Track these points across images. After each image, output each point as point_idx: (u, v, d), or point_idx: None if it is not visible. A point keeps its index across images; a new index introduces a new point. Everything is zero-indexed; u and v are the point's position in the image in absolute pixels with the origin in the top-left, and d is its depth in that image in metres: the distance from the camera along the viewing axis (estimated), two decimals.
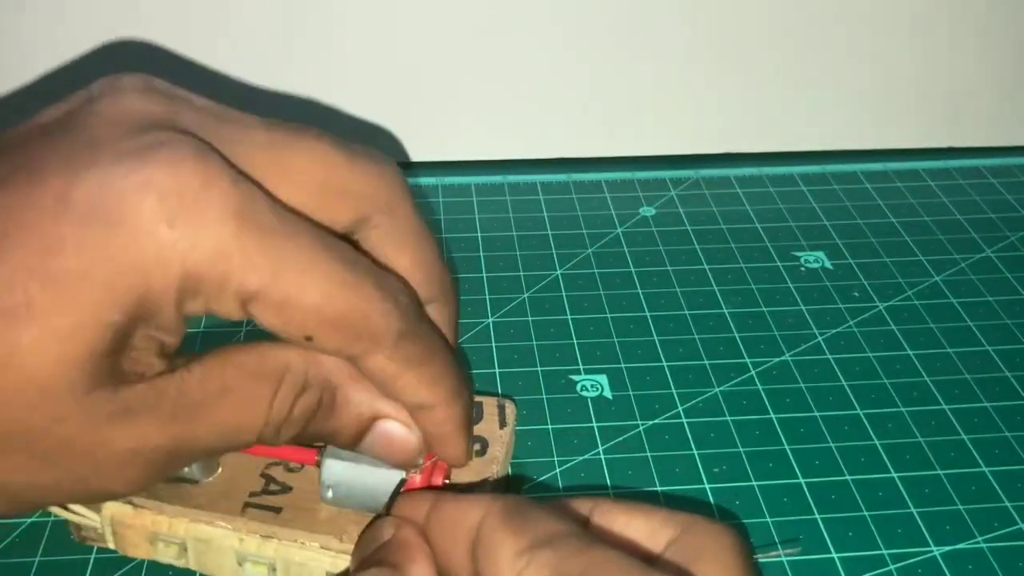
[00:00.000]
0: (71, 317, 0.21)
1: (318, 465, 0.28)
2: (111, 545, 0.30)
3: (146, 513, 0.29)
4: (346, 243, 0.24)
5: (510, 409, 0.33)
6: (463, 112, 0.51)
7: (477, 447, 0.31)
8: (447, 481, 0.29)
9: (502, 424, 0.32)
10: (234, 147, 0.23)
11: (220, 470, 0.30)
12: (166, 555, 0.29)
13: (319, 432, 0.26)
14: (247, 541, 0.28)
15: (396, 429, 0.27)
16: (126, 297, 0.22)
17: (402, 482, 0.28)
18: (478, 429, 0.32)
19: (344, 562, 0.28)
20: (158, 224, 0.21)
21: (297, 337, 0.23)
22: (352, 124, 0.51)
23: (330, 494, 0.28)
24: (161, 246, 0.21)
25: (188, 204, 0.21)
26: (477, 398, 0.33)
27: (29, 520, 0.32)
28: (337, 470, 0.28)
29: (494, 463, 0.31)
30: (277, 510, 0.29)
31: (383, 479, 0.28)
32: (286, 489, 0.29)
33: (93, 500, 0.27)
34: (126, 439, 0.23)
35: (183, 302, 0.22)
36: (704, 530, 0.23)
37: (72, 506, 0.29)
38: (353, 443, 0.27)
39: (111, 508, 0.29)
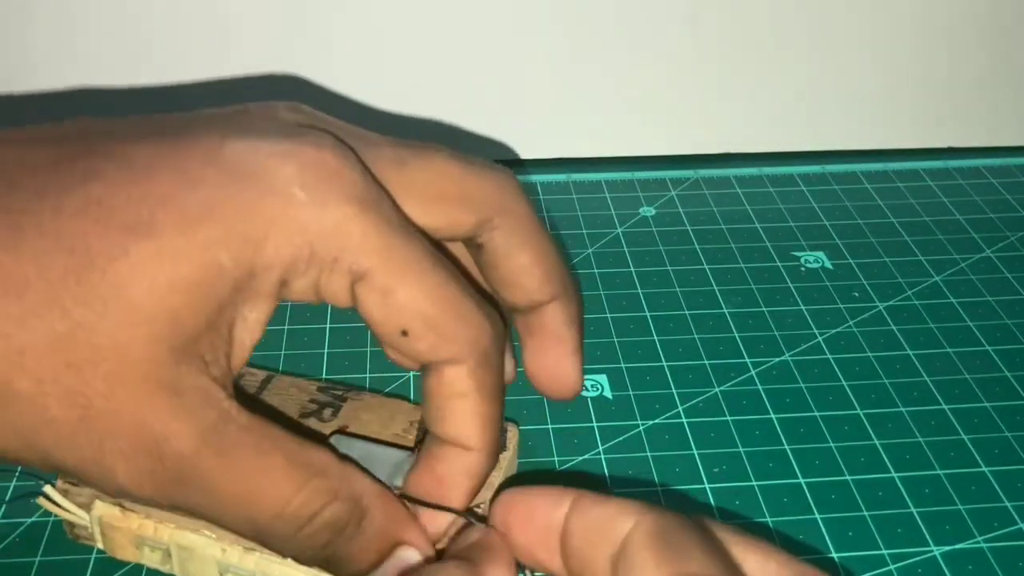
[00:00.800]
0: (186, 242, 0.22)
1: None
2: (100, 546, 0.30)
3: (133, 516, 0.29)
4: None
5: (512, 433, 0.32)
6: (463, 112, 0.51)
7: None
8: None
9: (501, 448, 0.31)
10: (367, 162, 0.25)
11: None
12: (151, 560, 0.29)
13: (339, 553, 0.25)
14: (229, 552, 0.28)
15: (414, 556, 0.26)
16: (242, 245, 0.22)
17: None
18: None
19: None
20: (292, 187, 0.23)
21: (393, 329, 0.24)
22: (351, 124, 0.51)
23: None
24: (289, 206, 0.23)
25: (323, 178, 0.23)
26: None
27: (29, 520, 0.32)
28: None
29: (489, 488, 0.30)
30: None
31: None
32: None
33: (67, 471, 0.24)
34: (160, 420, 0.22)
35: (294, 269, 0.23)
36: None
37: (64, 503, 0.29)
38: (370, 569, 0.26)
39: (100, 509, 0.29)
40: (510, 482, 0.33)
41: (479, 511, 0.29)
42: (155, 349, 0.22)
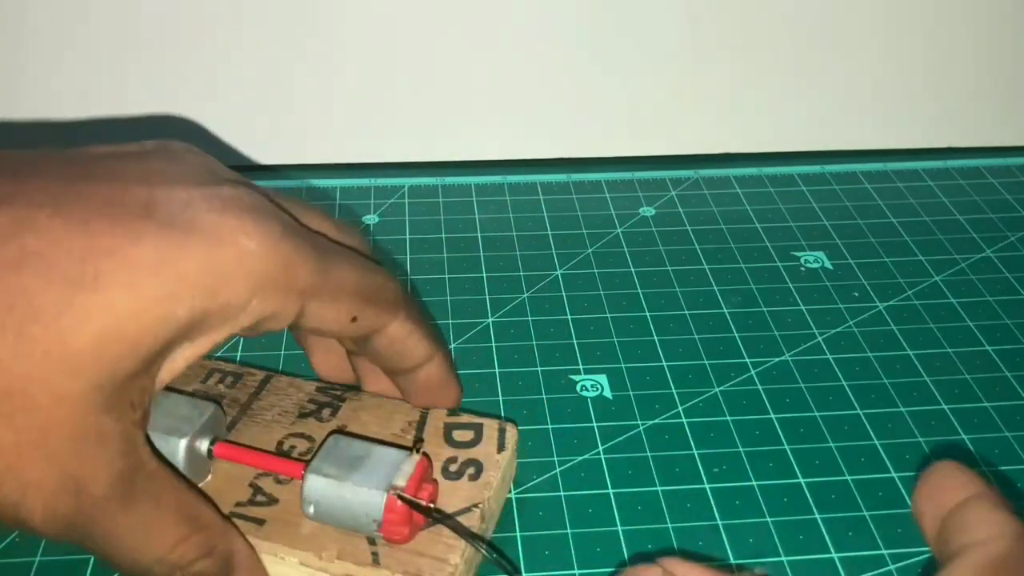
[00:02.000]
0: (136, 296, 0.22)
1: (303, 479, 0.28)
2: None
3: None
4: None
5: (511, 433, 0.32)
6: (463, 112, 0.51)
7: (471, 470, 0.30)
8: (432, 504, 0.28)
9: (500, 448, 0.31)
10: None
11: (210, 477, 0.30)
12: None
13: None
14: None
15: None
16: (198, 296, 0.23)
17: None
18: (475, 452, 0.31)
19: None
20: (238, 236, 0.24)
21: (345, 322, 0.28)
22: (352, 124, 0.51)
23: (311, 510, 0.28)
24: (242, 255, 0.24)
25: (260, 222, 0.25)
26: (478, 419, 0.32)
27: None
28: (319, 486, 0.28)
29: (487, 488, 0.30)
30: (261, 522, 0.29)
31: (365, 499, 0.28)
32: (272, 501, 0.29)
33: None
34: (84, 466, 0.23)
35: (244, 311, 0.24)
36: None
37: None
38: None
39: None
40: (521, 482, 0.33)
41: (479, 508, 0.29)
42: (92, 396, 0.23)
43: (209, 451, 0.30)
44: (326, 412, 0.33)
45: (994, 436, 0.36)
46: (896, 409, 0.37)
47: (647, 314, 0.41)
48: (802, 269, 0.44)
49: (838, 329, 0.41)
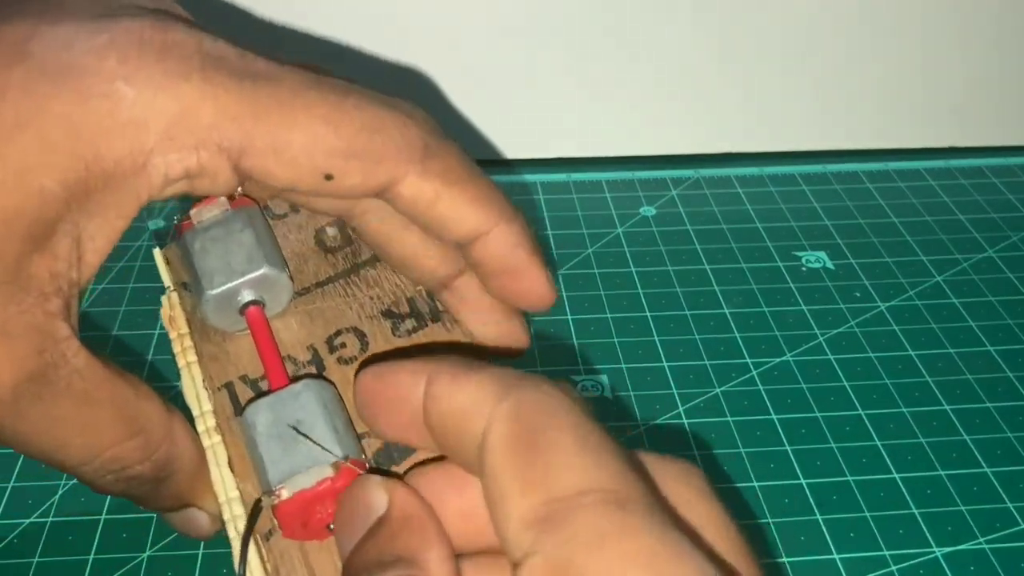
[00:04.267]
0: None
1: (242, 412, 0.24)
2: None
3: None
4: (337, 79, 0.22)
5: None
6: (462, 112, 0.51)
7: None
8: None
9: None
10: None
11: (245, 331, 0.27)
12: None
13: (132, 494, 0.25)
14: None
15: (200, 519, 0.27)
16: (69, 163, 0.19)
17: (258, 507, 0.23)
18: None
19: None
20: (116, 82, 0.20)
21: (315, 181, 0.22)
22: None
23: (242, 434, 0.24)
24: (118, 106, 0.20)
25: (149, 61, 0.20)
26: None
27: (27, 521, 0.32)
28: (246, 430, 0.24)
29: None
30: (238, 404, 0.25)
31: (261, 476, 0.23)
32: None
33: None
34: None
35: (146, 172, 0.20)
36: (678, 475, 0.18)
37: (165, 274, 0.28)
38: (159, 511, 0.26)
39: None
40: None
41: None
42: None
43: (242, 309, 0.26)
44: (407, 324, 0.27)
45: (996, 437, 0.35)
46: (898, 410, 0.37)
47: (648, 314, 0.41)
48: (803, 269, 0.44)
49: (840, 329, 0.41)
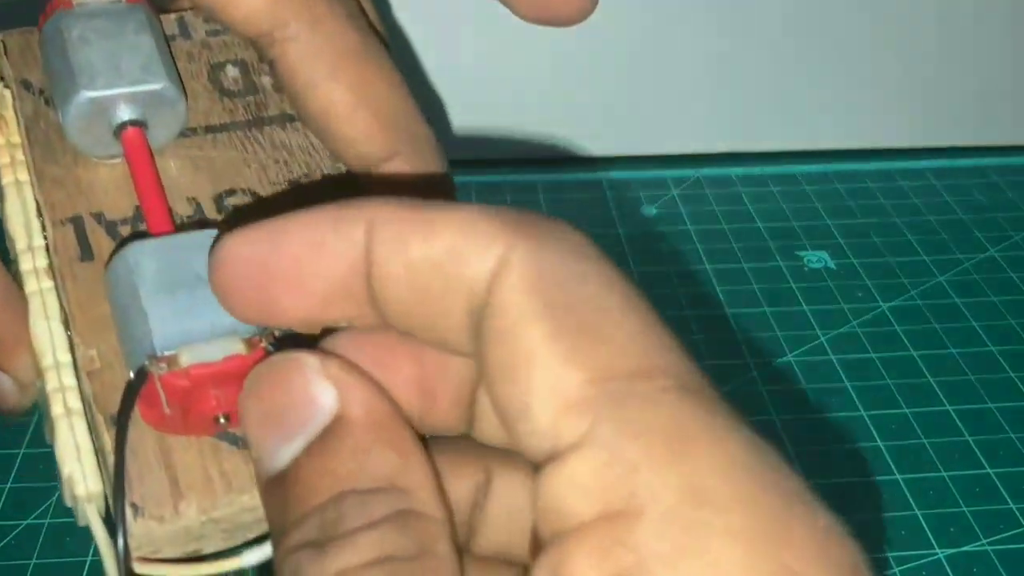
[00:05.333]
0: None
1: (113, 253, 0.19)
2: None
3: None
4: None
5: None
6: (461, 112, 0.51)
7: None
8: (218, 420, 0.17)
9: None
10: None
11: (118, 161, 0.22)
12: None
13: None
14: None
15: (2, 382, 0.22)
16: None
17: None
18: None
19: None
20: None
21: None
22: None
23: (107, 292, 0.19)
24: None
25: None
26: None
27: (25, 522, 0.32)
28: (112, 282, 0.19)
29: None
30: (89, 256, 0.20)
31: (128, 345, 0.18)
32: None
33: None
34: None
35: None
36: None
37: None
38: None
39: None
40: None
41: None
42: None
43: (118, 129, 0.21)
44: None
45: (999, 437, 0.35)
46: (900, 410, 0.36)
47: None
48: (805, 269, 0.44)
49: (841, 329, 0.40)
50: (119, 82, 0.20)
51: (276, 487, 0.14)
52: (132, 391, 0.16)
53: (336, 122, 0.20)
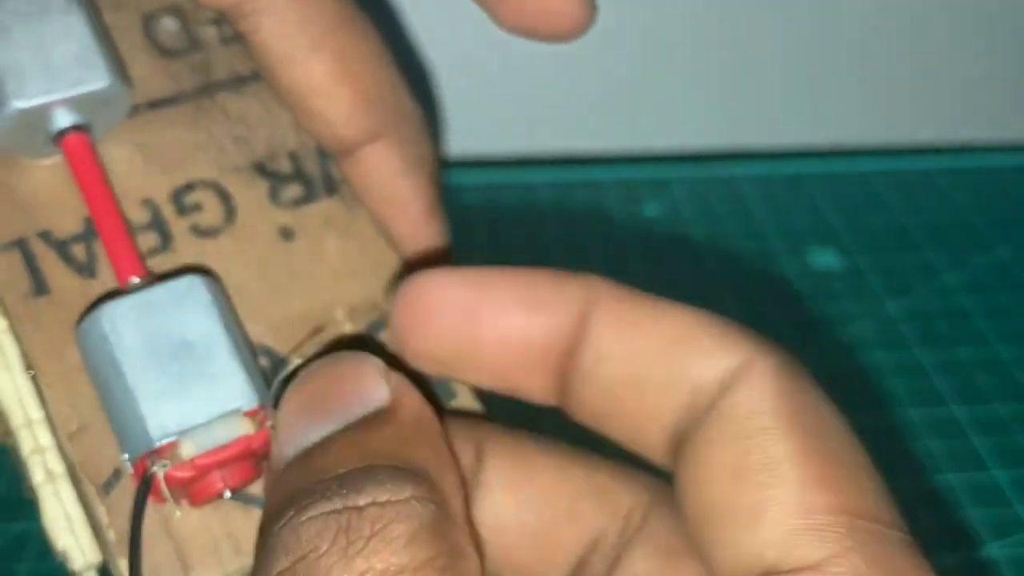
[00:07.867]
0: None
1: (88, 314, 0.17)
2: None
3: None
4: None
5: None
6: (460, 111, 0.51)
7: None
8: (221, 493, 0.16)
9: None
10: None
11: (56, 160, 0.19)
12: None
13: None
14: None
15: None
16: None
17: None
18: None
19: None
20: None
21: None
22: None
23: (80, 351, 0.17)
24: None
25: None
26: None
27: (22, 525, 0.31)
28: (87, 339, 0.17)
29: None
30: (43, 291, 0.18)
31: (126, 437, 0.16)
32: (86, 271, 0.18)
33: None
34: None
35: None
36: None
37: None
38: None
39: None
40: None
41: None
42: None
43: (58, 134, 0.18)
44: (291, 191, 0.19)
45: (1006, 440, 0.35)
46: (905, 411, 0.36)
47: None
48: (810, 269, 0.44)
49: (847, 329, 0.40)
50: (55, 85, 0.17)
51: (291, 468, 0.13)
52: (140, 503, 0.15)
53: (315, 99, 0.18)
